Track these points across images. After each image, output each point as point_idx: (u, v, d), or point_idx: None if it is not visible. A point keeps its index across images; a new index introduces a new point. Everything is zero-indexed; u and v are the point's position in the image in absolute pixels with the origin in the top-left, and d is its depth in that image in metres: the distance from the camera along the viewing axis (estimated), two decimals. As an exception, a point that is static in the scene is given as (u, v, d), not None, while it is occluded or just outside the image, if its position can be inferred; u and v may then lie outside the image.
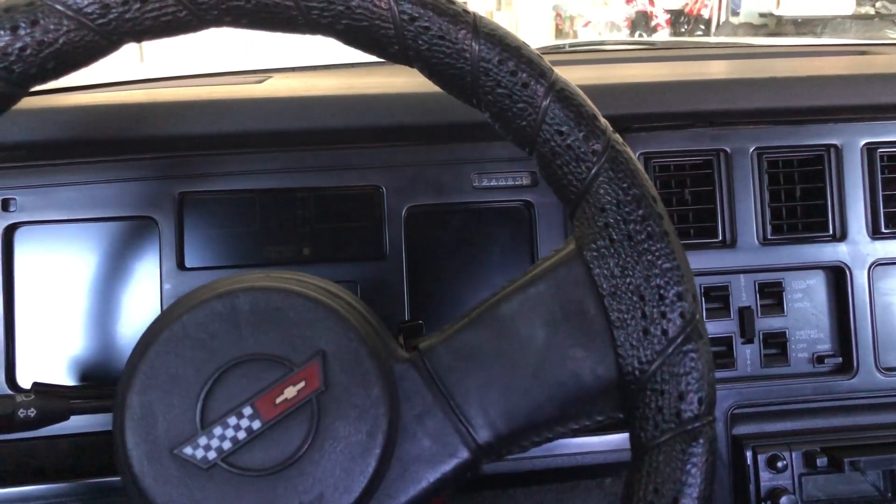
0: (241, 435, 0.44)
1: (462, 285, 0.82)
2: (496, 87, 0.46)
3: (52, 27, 0.43)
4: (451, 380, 0.47)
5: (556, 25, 7.19)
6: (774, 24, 5.51)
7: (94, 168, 0.77)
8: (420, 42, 0.45)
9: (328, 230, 0.80)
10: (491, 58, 0.45)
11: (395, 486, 0.46)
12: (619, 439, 0.79)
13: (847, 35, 4.31)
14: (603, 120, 0.47)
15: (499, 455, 0.48)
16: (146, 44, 0.48)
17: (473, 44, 0.45)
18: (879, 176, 0.84)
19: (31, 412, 0.58)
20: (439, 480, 0.47)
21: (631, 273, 0.45)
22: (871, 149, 0.84)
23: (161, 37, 0.46)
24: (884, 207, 0.84)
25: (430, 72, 0.47)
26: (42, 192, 0.76)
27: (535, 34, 6.60)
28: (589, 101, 0.47)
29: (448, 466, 0.47)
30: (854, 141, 0.84)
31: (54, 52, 0.43)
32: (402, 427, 0.47)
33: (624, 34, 6.91)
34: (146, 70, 1.22)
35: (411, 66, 0.47)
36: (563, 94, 0.46)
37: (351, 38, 0.46)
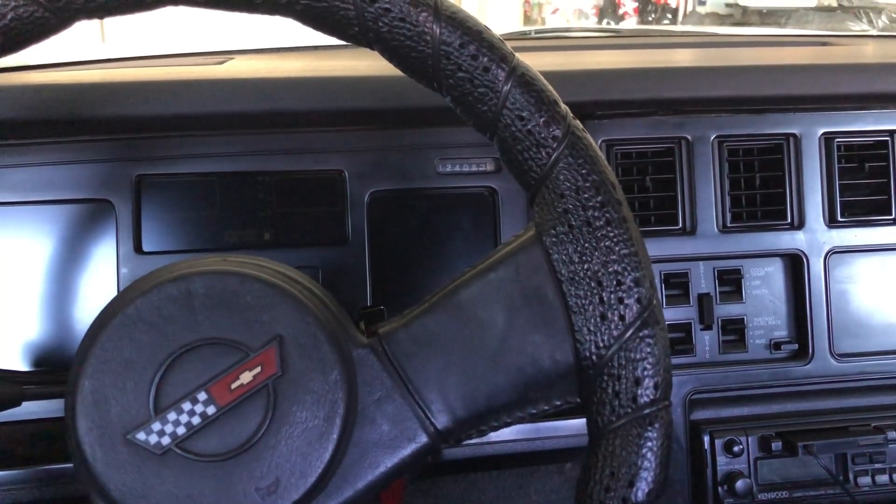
0: (196, 420, 0.44)
1: (425, 271, 0.81)
2: (457, 70, 0.45)
3: None
4: (410, 365, 0.47)
5: (525, 12, 7.20)
6: (740, 15, 5.57)
7: (48, 149, 0.75)
8: (381, 24, 0.45)
9: (290, 215, 0.79)
10: (452, 41, 0.45)
11: (352, 470, 0.46)
12: (578, 424, 0.79)
13: (810, 26, 4.38)
14: (563, 106, 0.47)
15: (458, 439, 0.48)
16: (108, 26, 0.47)
17: (434, 27, 0.45)
18: (836, 165, 0.85)
19: None
20: (398, 465, 0.47)
21: (589, 259, 0.45)
22: (828, 138, 0.85)
23: (115, 14, 0.45)
24: (840, 196, 0.85)
25: (390, 55, 0.47)
26: None
27: (502, 21, 6.59)
28: (550, 87, 0.47)
29: (406, 451, 0.47)
30: (813, 130, 0.85)
31: (2, 27, 0.42)
32: (361, 412, 0.47)
33: (592, 22, 6.93)
34: (107, 51, 1.19)
35: (372, 48, 0.47)
36: (524, 79, 0.46)
37: (310, 19, 0.46)
